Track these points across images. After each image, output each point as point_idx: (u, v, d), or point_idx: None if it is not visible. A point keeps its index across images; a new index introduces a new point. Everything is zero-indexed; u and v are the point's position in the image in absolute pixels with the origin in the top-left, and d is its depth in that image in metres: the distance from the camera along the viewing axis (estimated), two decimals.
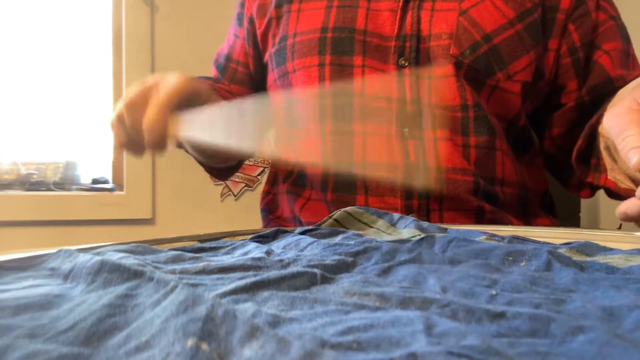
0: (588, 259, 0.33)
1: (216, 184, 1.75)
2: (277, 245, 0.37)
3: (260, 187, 1.55)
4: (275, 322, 0.17)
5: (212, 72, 0.82)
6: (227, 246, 0.36)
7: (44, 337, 0.17)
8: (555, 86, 0.65)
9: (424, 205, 0.60)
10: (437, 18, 0.62)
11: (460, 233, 0.41)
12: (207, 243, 0.38)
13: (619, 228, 1.08)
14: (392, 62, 0.62)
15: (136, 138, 0.52)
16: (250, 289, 0.22)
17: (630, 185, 0.52)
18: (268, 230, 0.43)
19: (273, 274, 0.24)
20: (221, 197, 1.77)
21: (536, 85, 0.64)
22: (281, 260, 0.28)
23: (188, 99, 0.51)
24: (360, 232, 0.43)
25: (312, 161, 0.59)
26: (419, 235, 0.40)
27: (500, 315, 0.19)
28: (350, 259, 0.30)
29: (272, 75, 0.71)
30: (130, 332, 0.17)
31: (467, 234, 0.40)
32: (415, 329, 0.16)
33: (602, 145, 0.55)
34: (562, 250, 0.33)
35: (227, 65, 0.78)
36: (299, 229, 0.43)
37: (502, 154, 0.63)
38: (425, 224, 0.45)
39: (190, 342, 0.15)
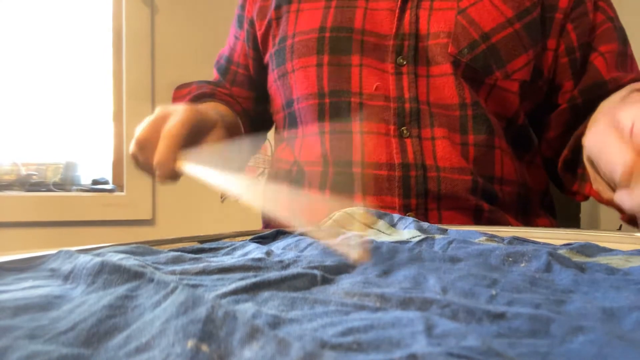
0: (588, 259, 0.33)
1: None
2: (277, 246, 0.37)
3: None
4: (276, 323, 0.17)
5: (213, 73, 0.82)
6: (227, 247, 0.36)
7: (44, 338, 0.17)
8: (553, 86, 0.66)
9: (422, 204, 0.60)
10: (436, 17, 0.62)
11: (460, 234, 0.41)
12: (207, 244, 0.38)
13: (619, 229, 1.08)
14: (390, 61, 0.62)
15: (150, 172, 0.55)
16: (251, 290, 0.22)
17: (612, 195, 0.53)
18: (268, 231, 0.43)
19: (273, 274, 0.24)
20: (221, 198, 1.77)
21: (535, 84, 0.64)
22: (281, 261, 0.28)
23: (195, 131, 0.53)
24: (360, 233, 0.43)
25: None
26: (419, 236, 0.40)
27: (501, 316, 0.19)
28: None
29: (272, 76, 0.71)
30: (130, 333, 0.17)
31: (467, 235, 0.40)
32: (415, 329, 0.16)
33: (585, 157, 0.56)
34: (562, 251, 0.33)
35: (228, 68, 0.79)
36: (299, 230, 0.43)
37: (501, 152, 0.63)
38: (425, 224, 0.45)
39: (190, 343, 0.15)
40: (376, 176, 0.61)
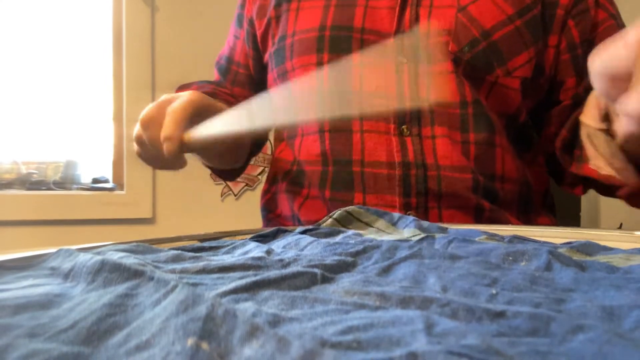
0: (588, 258, 0.33)
1: (217, 184, 1.75)
2: (277, 245, 0.37)
3: (261, 187, 1.56)
4: (276, 321, 0.17)
5: (214, 74, 0.82)
6: (227, 245, 0.36)
7: (44, 337, 0.17)
8: (555, 82, 0.66)
9: (423, 203, 0.60)
10: (436, 15, 0.62)
11: (460, 233, 0.41)
12: (207, 242, 0.38)
13: (620, 227, 1.08)
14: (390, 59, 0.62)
15: (156, 152, 0.53)
16: (251, 289, 0.22)
17: (610, 171, 0.53)
18: (268, 230, 0.43)
19: (273, 273, 0.24)
20: (221, 196, 1.77)
21: (536, 81, 0.64)
22: (281, 260, 0.28)
23: (200, 112, 0.53)
24: (360, 232, 0.43)
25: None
26: (419, 234, 0.40)
27: (501, 315, 0.19)
28: (350, 259, 0.30)
29: (271, 75, 0.71)
30: (130, 331, 0.17)
31: (467, 234, 0.40)
32: (415, 328, 0.16)
33: (583, 134, 0.56)
34: (562, 250, 0.33)
35: (228, 67, 0.78)
36: (299, 229, 0.43)
37: (502, 150, 0.63)
38: (426, 223, 0.45)
39: (190, 342, 0.15)
40: (376, 175, 0.61)
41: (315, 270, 0.25)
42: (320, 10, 0.66)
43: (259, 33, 0.72)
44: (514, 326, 0.18)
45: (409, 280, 0.25)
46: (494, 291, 0.22)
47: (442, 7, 0.62)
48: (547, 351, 0.15)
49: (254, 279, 0.23)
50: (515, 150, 0.65)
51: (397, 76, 0.62)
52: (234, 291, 0.22)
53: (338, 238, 0.39)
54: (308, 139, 0.66)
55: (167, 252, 0.31)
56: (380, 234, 0.43)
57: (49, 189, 1.61)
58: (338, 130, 0.63)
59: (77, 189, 1.64)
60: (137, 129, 0.54)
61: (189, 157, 0.58)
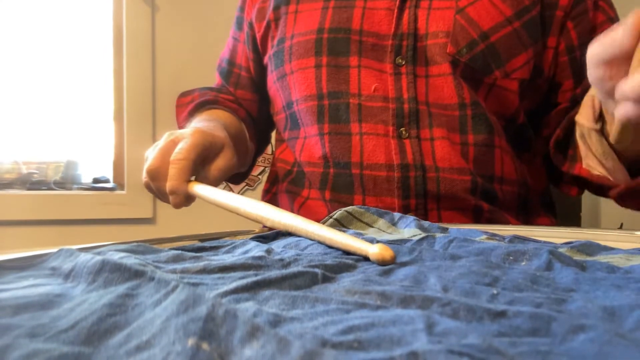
0: (589, 258, 0.33)
1: None
2: (277, 245, 0.37)
3: (261, 186, 1.56)
4: (276, 321, 0.17)
5: (214, 74, 0.82)
6: (228, 245, 0.36)
7: (44, 337, 0.17)
8: (553, 84, 0.65)
9: (422, 204, 0.60)
10: (434, 16, 0.62)
11: (460, 233, 0.41)
12: (208, 242, 0.38)
13: (620, 227, 1.08)
14: (389, 61, 0.62)
15: (165, 199, 0.55)
16: (252, 288, 0.22)
17: (602, 171, 0.54)
18: (269, 232, 0.43)
19: (274, 273, 0.24)
20: None
21: (534, 83, 0.64)
22: (282, 260, 0.28)
23: (204, 154, 0.53)
24: (361, 232, 0.43)
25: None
26: (420, 234, 0.40)
27: (501, 314, 0.18)
28: (351, 259, 0.30)
29: (271, 77, 0.71)
30: (131, 331, 0.17)
31: (467, 234, 0.40)
32: (416, 327, 0.16)
33: (577, 134, 0.56)
34: (563, 250, 0.33)
35: (230, 70, 0.78)
36: None
37: (501, 151, 0.63)
38: (426, 223, 0.45)
39: (190, 342, 0.15)
40: (375, 177, 0.61)
41: (316, 270, 0.25)
42: (319, 13, 0.66)
43: (258, 36, 0.72)
44: (514, 326, 0.18)
45: (410, 280, 0.25)
46: (494, 291, 0.22)
47: (441, 8, 0.62)
48: (548, 351, 0.15)
49: (254, 278, 0.23)
50: (514, 152, 0.65)
51: (395, 78, 0.62)
52: (235, 291, 0.22)
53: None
54: (309, 141, 0.66)
55: (168, 252, 0.31)
56: (381, 234, 0.43)
57: (50, 189, 1.61)
58: (338, 133, 0.63)
59: (78, 189, 1.64)
60: (144, 177, 0.54)
61: None
